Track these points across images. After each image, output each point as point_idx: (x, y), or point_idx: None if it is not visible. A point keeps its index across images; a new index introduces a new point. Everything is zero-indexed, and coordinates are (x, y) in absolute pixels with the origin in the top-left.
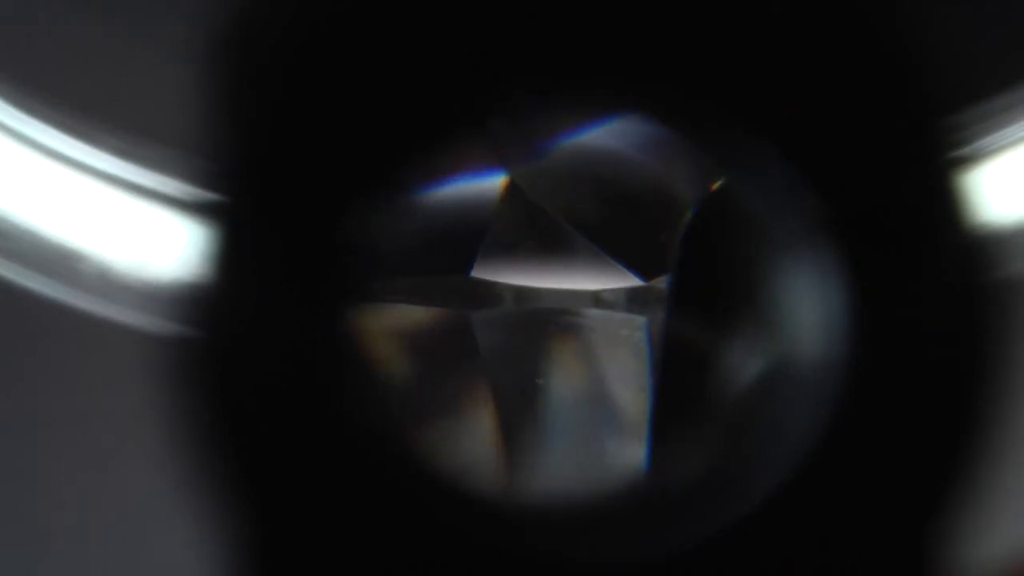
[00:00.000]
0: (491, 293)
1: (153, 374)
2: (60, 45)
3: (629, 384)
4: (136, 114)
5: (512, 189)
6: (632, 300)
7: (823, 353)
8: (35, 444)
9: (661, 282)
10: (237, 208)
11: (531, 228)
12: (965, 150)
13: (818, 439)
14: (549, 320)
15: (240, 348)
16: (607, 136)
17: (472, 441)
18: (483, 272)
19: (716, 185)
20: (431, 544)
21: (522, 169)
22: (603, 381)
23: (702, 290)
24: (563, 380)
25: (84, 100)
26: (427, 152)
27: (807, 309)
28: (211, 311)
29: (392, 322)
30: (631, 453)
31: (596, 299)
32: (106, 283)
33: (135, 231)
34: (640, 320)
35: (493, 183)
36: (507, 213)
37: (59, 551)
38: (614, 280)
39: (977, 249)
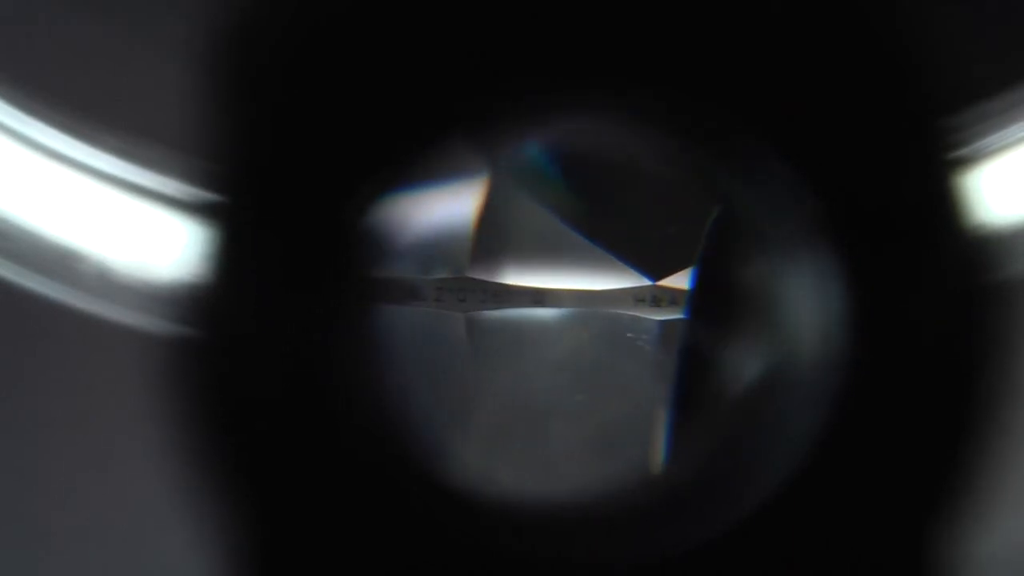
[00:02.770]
0: (493, 293)
1: (153, 374)
2: (60, 45)
3: (633, 388)
4: (136, 114)
5: (501, 189)
6: (640, 301)
7: (823, 354)
8: (35, 444)
9: (673, 282)
10: (237, 208)
11: (529, 228)
12: (965, 150)
13: (818, 440)
14: (551, 321)
15: (240, 348)
16: (609, 136)
17: (470, 443)
18: (482, 272)
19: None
20: (429, 545)
21: (516, 168)
22: (605, 384)
23: (704, 292)
24: (562, 382)
25: (84, 100)
26: (427, 151)
27: (807, 310)
28: (211, 311)
29: (392, 321)
30: (633, 455)
31: (601, 300)
32: (106, 283)
33: (135, 231)
34: (649, 322)
35: (489, 183)
36: (502, 213)
37: (59, 551)
38: (619, 280)
39: (977, 250)
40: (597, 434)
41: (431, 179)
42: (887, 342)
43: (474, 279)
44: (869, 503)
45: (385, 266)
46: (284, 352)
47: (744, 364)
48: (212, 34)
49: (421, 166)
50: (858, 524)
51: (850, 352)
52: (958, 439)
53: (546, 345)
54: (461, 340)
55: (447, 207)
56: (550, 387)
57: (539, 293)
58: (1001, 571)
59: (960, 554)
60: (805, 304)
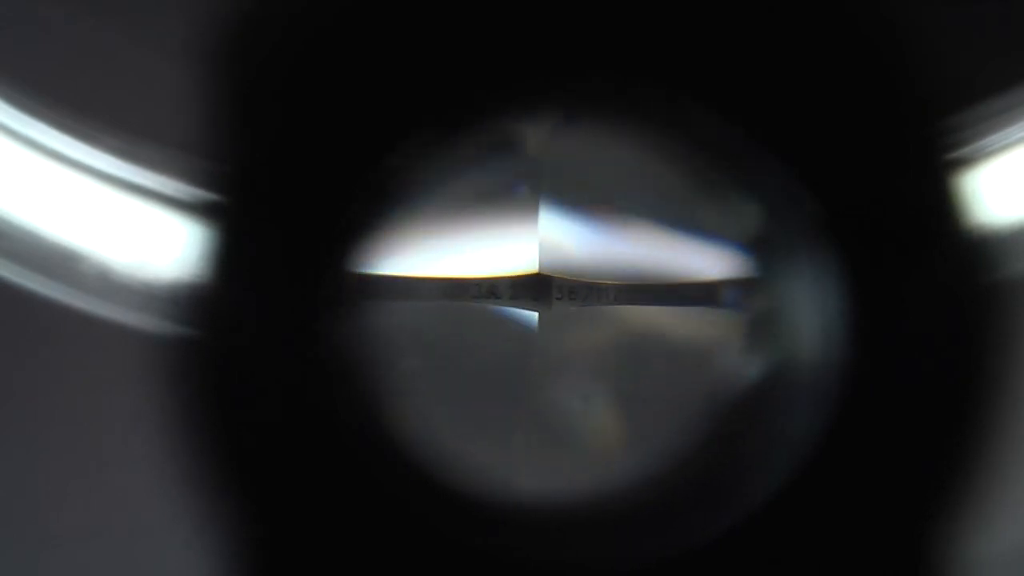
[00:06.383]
0: (488, 290)
1: (153, 374)
2: (60, 45)
3: (623, 385)
4: (136, 114)
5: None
6: (620, 294)
7: (822, 355)
8: (35, 444)
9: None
10: (237, 208)
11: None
12: (964, 151)
13: (817, 441)
14: (550, 317)
15: (240, 348)
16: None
17: (469, 444)
18: (480, 269)
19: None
20: (427, 546)
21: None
22: (606, 381)
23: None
24: (560, 380)
25: (84, 100)
26: (428, 152)
27: (806, 312)
28: (211, 311)
29: (391, 322)
30: (625, 455)
31: (596, 294)
32: (106, 283)
33: (135, 231)
34: (638, 315)
35: (494, 181)
36: (573, 206)
37: (59, 551)
38: (610, 275)
39: (976, 251)
40: (633, 435)
41: (439, 179)
42: (887, 342)
43: (549, 275)
44: (869, 503)
45: (386, 266)
46: (284, 352)
47: (744, 364)
48: (213, 34)
49: (425, 165)
50: (857, 524)
51: (850, 353)
52: (958, 440)
53: (617, 343)
54: (533, 339)
55: (511, 204)
56: (612, 386)
57: (618, 289)
58: (1001, 571)
59: (960, 554)
60: (804, 306)
